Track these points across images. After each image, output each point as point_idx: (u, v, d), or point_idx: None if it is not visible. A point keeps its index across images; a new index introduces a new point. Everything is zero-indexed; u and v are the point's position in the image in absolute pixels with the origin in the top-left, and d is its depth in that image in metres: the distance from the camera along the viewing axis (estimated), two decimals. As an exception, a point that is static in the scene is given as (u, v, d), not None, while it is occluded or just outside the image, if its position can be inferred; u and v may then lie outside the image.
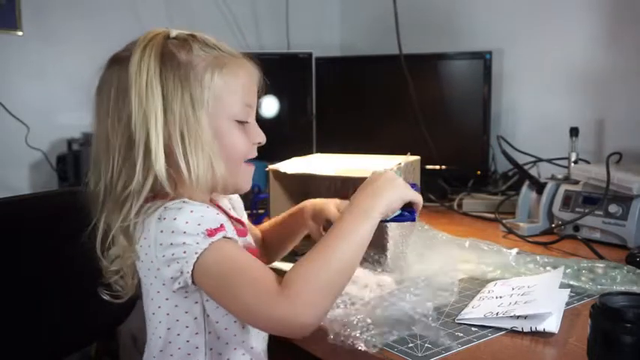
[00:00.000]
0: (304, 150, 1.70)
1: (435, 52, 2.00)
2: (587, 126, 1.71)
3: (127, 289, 0.85)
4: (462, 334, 0.86)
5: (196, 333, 0.84)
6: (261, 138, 0.90)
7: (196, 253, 0.75)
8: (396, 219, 0.88)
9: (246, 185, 0.91)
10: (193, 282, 0.77)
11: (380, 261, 1.17)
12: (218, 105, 0.83)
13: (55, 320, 1.11)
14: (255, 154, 0.91)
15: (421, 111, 1.87)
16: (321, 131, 2.16)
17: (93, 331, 1.23)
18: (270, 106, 2.12)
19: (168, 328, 0.84)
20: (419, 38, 2.09)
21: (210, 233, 0.76)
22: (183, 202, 0.79)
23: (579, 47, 1.78)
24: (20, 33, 1.90)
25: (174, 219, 0.76)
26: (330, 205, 1.02)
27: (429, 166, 1.77)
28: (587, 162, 1.62)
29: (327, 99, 2.14)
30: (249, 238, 0.96)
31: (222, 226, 0.78)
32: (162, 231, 0.76)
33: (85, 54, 2.04)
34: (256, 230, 1.11)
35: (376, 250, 1.18)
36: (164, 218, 0.77)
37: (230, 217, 0.93)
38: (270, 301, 0.73)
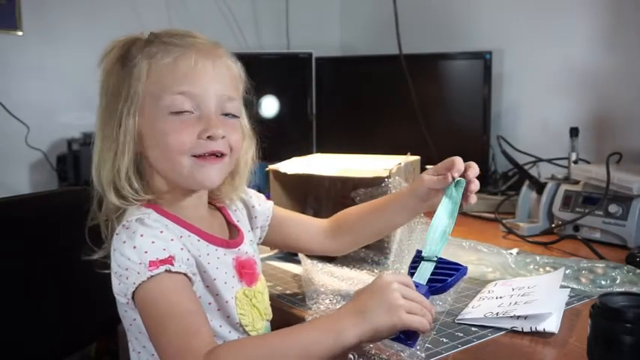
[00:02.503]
0: (304, 150, 1.70)
1: (435, 52, 2.00)
2: (587, 126, 1.71)
3: None
4: (461, 334, 0.86)
5: None
6: (209, 132, 0.79)
7: (134, 283, 0.73)
8: (389, 339, 0.74)
9: (205, 180, 0.82)
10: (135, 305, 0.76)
11: (380, 262, 1.17)
12: (147, 97, 0.80)
13: (55, 320, 1.11)
14: (207, 148, 0.80)
15: (421, 111, 1.87)
16: (321, 131, 2.16)
17: (93, 331, 1.23)
18: (270, 106, 2.12)
19: (135, 338, 0.83)
20: (419, 38, 2.09)
21: (152, 265, 0.73)
22: (141, 221, 0.77)
23: (579, 47, 1.78)
24: (20, 33, 1.90)
25: (124, 242, 0.76)
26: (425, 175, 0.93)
27: (429, 166, 1.76)
28: (587, 162, 1.62)
29: (327, 99, 2.14)
30: (247, 246, 0.91)
31: (169, 257, 0.74)
32: (114, 249, 0.77)
33: (85, 54, 2.02)
34: (313, 221, 1.06)
35: (376, 251, 1.18)
36: (119, 236, 0.77)
37: (230, 222, 0.93)
38: None
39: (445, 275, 0.79)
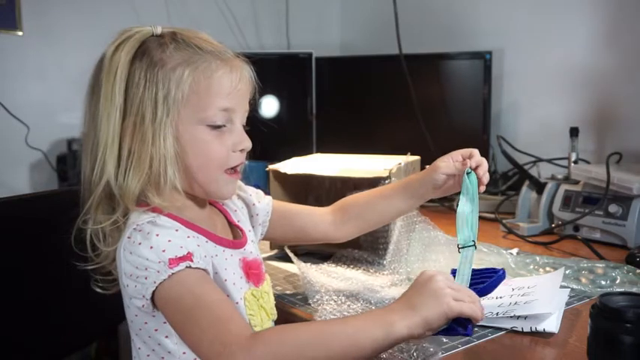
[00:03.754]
0: (304, 150, 1.70)
1: (435, 52, 2.00)
2: (587, 126, 1.71)
3: (113, 285, 0.84)
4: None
5: (169, 352, 0.79)
6: (243, 145, 0.83)
7: (155, 282, 0.72)
8: (443, 332, 0.73)
9: (228, 195, 0.86)
10: (155, 307, 0.75)
11: (379, 262, 1.17)
12: (186, 107, 0.78)
13: (55, 320, 1.11)
14: (238, 161, 0.83)
15: (421, 111, 1.87)
16: (321, 131, 2.16)
17: (93, 331, 1.23)
18: (270, 106, 2.12)
19: (144, 342, 0.81)
20: (419, 38, 2.09)
21: (172, 263, 0.72)
22: (153, 222, 0.76)
23: (579, 47, 1.78)
24: (20, 33, 1.90)
25: (139, 244, 0.74)
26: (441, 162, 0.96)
27: (429, 166, 1.77)
28: (587, 162, 1.62)
29: (327, 99, 2.14)
30: (250, 246, 0.91)
31: (188, 254, 0.74)
32: (130, 252, 0.75)
33: (85, 54, 2.02)
34: (315, 210, 1.05)
35: (375, 250, 1.18)
36: (131, 239, 0.75)
37: (231, 222, 0.92)
38: (233, 346, 0.67)
39: (485, 278, 0.80)
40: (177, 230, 0.77)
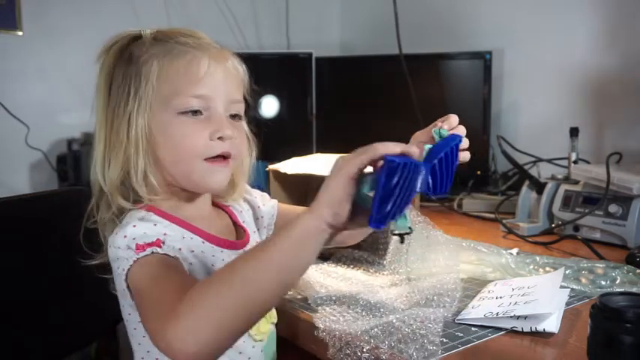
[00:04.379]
0: (304, 150, 1.70)
1: (435, 52, 2.00)
2: (587, 126, 1.71)
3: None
4: (461, 334, 0.86)
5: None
6: (222, 133, 0.80)
7: (123, 269, 0.73)
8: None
9: (215, 185, 0.83)
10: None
11: (379, 262, 1.17)
12: (158, 98, 0.79)
13: (55, 320, 1.11)
14: (218, 149, 0.80)
15: (421, 111, 1.87)
16: (321, 131, 2.16)
17: (93, 331, 1.23)
18: (270, 106, 2.12)
19: (139, 343, 0.81)
20: (419, 38, 2.09)
21: (139, 248, 0.72)
22: (141, 218, 0.77)
23: (579, 47, 1.78)
24: (20, 33, 1.90)
25: (117, 234, 0.75)
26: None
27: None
28: (587, 162, 1.62)
29: (327, 99, 2.14)
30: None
31: (157, 240, 0.73)
32: (110, 246, 0.76)
33: (85, 54, 2.02)
34: None
35: (375, 250, 1.18)
36: (113, 232, 0.77)
37: (236, 223, 0.92)
38: (166, 317, 0.62)
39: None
40: (155, 225, 0.76)
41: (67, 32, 1.98)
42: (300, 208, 1.04)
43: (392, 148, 0.63)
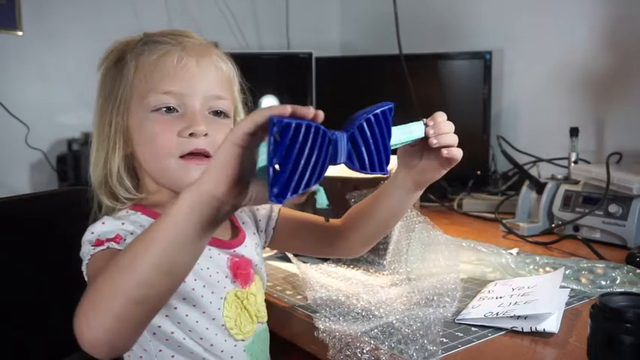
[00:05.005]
0: (304, 150, 1.70)
1: (435, 52, 2.00)
2: (587, 126, 1.71)
3: None
4: (461, 334, 0.86)
5: (160, 350, 0.79)
6: (192, 129, 0.78)
7: (84, 264, 0.74)
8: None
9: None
10: None
11: (379, 262, 1.17)
12: (134, 97, 0.80)
13: (55, 320, 1.11)
14: (189, 146, 0.78)
15: (421, 111, 1.87)
16: (321, 131, 2.15)
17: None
18: (270, 106, 2.12)
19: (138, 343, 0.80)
20: (419, 38, 2.09)
21: (97, 243, 0.72)
22: (117, 215, 0.79)
23: (579, 47, 1.78)
24: (20, 33, 1.90)
25: (87, 231, 0.76)
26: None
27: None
28: (587, 162, 1.62)
29: (327, 99, 2.14)
30: (246, 249, 0.89)
31: (116, 236, 0.73)
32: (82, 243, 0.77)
33: (85, 54, 2.03)
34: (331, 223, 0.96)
35: (375, 250, 1.18)
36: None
37: (233, 222, 0.92)
38: (75, 317, 0.60)
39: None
40: (123, 223, 0.76)
41: (67, 32, 1.98)
42: (307, 218, 1.00)
43: (279, 109, 0.57)
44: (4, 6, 1.86)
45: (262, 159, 0.57)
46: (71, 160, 1.90)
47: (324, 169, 0.59)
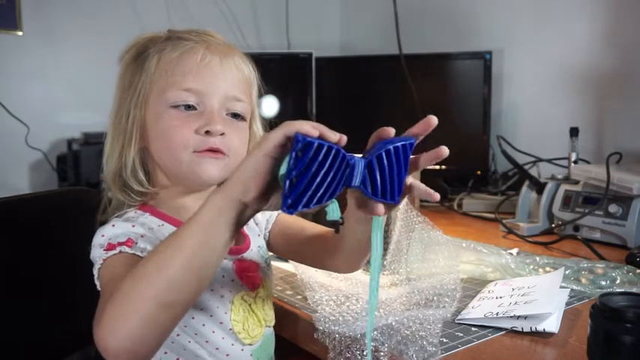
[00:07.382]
0: (304, 150, 1.70)
1: (435, 52, 2.00)
2: (587, 126, 1.71)
3: None
4: (461, 334, 0.86)
5: (165, 353, 0.79)
6: (208, 127, 0.78)
7: (96, 268, 0.74)
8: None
9: (205, 176, 0.79)
10: None
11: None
12: (153, 91, 0.80)
13: (55, 320, 1.11)
14: (204, 144, 0.78)
15: (421, 111, 1.87)
16: (321, 131, 2.15)
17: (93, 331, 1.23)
18: (271, 106, 2.12)
19: None
20: (419, 38, 2.09)
21: (109, 247, 0.72)
22: (126, 217, 0.79)
23: (579, 47, 1.78)
24: (20, 33, 1.90)
25: (97, 233, 0.76)
26: None
27: (428, 166, 1.77)
28: (587, 162, 1.62)
29: (327, 99, 2.14)
30: (252, 253, 0.89)
31: (128, 240, 0.73)
32: (92, 246, 0.77)
33: (85, 54, 2.05)
34: (326, 232, 0.89)
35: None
36: (97, 232, 0.78)
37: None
38: (95, 326, 0.61)
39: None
40: (133, 226, 0.77)
41: (67, 32, 1.98)
42: (309, 227, 0.93)
43: (307, 127, 0.58)
44: (4, 6, 1.86)
45: (283, 167, 0.59)
46: (71, 160, 1.89)
47: (338, 189, 0.61)
